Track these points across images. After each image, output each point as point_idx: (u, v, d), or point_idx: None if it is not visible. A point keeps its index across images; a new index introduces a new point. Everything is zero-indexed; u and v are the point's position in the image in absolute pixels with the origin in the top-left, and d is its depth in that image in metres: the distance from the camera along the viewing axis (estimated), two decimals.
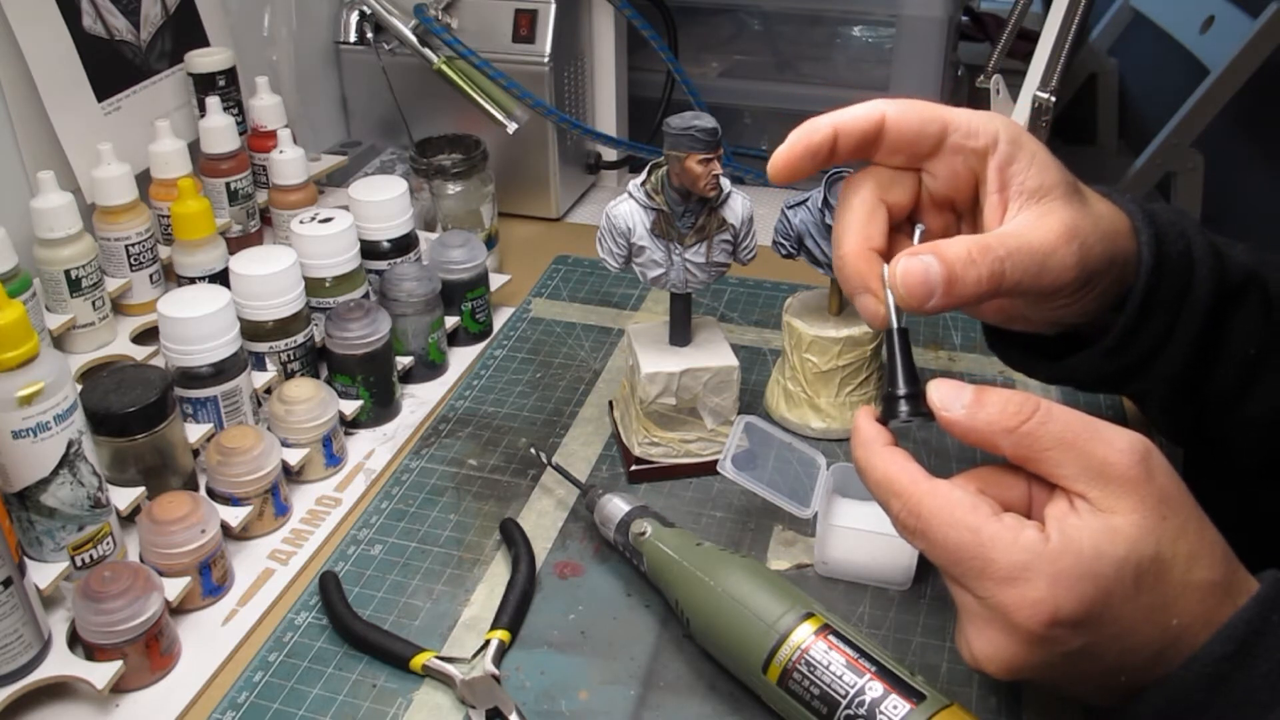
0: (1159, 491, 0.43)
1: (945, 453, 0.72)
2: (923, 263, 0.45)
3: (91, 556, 0.60)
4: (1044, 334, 0.55)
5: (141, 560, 0.60)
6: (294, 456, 0.69)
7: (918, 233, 0.50)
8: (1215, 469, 0.56)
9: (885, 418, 0.48)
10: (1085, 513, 0.42)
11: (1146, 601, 0.42)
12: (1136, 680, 0.44)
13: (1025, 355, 0.58)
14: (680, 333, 0.69)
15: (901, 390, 0.47)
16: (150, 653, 0.56)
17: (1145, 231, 0.51)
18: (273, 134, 0.91)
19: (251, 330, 0.72)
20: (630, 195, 0.64)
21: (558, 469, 0.67)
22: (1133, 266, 0.51)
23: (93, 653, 0.55)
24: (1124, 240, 0.51)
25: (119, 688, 0.55)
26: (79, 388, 0.61)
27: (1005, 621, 0.42)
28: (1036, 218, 0.48)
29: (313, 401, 0.70)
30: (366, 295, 0.80)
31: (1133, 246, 0.51)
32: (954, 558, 0.43)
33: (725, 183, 0.63)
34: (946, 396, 0.45)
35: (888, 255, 0.48)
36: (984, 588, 0.43)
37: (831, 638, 0.50)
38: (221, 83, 0.91)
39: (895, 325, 0.47)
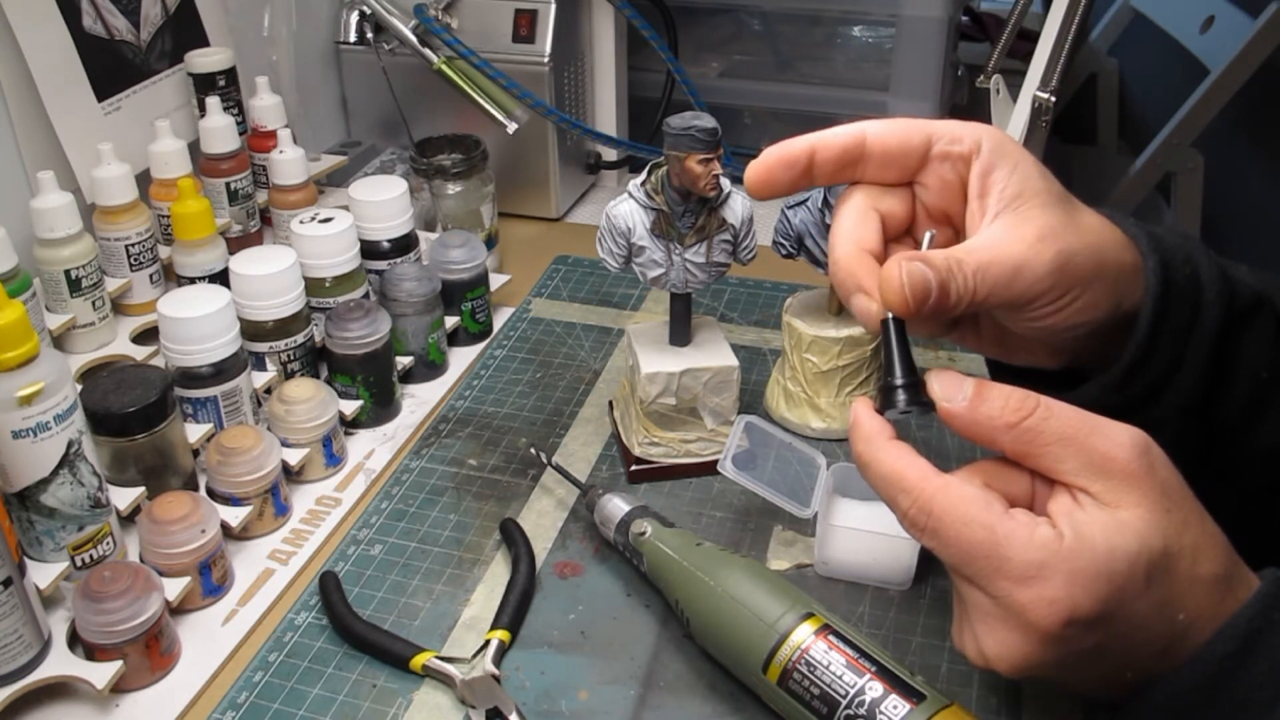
0: (1161, 485, 0.43)
1: (944, 451, 0.72)
2: (919, 265, 0.45)
3: (91, 556, 0.60)
4: (1049, 369, 0.54)
5: (141, 560, 0.60)
6: (294, 456, 0.69)
7: (927, 238, 0.49)
8: (1224, 496, 0.55)
9: (883, 408, 0.46)
10: (1091, 507, 0.42)
11: (1157, 597, 0.42)
12: (1142, 676, 0.44)
13: (1033, 389, 0.57)
14: (680, 333, 0.69)
15: (899, 380, 0.45)
16: (150, 653, 0.56)
17: (1152, 258, 0.49)
18: (273, 134, 0.91)
19: (251, 330, 0.72)
20: (630, 195, 0.64)
21: (558, 469, 0.67)
22: (1127, 282, 0.49)
23: (93, 653, 0.55)
24: (1117, 254, 0.49)
25: (119, 688, 0.55)
26: (79, 388, 0.61)
27: (1020, 621, 0.42)
28: (1009, 226, 0.47)
29: (313, 401, 0.70)
30: (366, 295, 0.80)
31: (1128, 261, 0.49)
32: (968, 556, 0.43)
33: (725, 183, 0.63)
34: (948, 387, 0.45)
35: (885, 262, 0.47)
36: (999, 587, 0.42)
37: (831, 638, 0.50)
38: (221, 83, 0.91)
39: (891, 314, 0.46)
